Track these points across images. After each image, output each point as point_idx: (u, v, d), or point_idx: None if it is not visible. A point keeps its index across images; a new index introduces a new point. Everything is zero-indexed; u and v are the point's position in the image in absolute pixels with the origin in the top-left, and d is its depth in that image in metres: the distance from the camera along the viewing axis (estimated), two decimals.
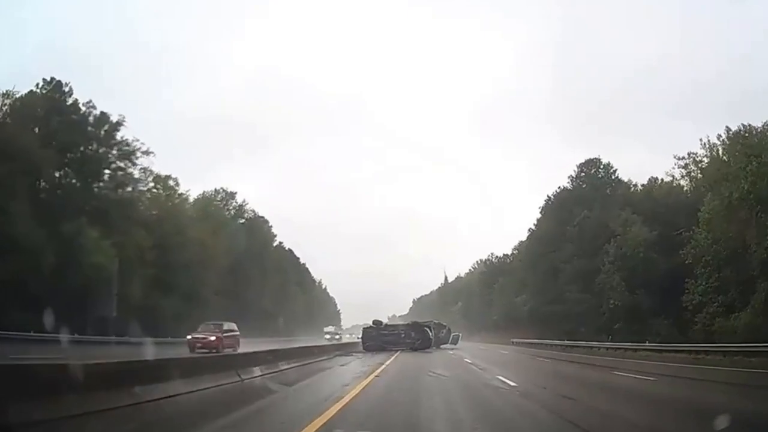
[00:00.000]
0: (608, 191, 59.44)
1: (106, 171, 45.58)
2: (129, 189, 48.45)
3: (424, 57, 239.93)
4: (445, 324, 58.67)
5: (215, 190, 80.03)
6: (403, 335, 42.35)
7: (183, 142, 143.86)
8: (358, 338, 45.43)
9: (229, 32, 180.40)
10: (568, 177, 63.75)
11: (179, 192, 62.43)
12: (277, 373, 17.06)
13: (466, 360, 28.00)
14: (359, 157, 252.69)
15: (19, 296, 31.76)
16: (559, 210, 62.26)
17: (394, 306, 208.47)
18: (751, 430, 8.46)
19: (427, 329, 43.50)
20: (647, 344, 35.99)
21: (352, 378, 15.90)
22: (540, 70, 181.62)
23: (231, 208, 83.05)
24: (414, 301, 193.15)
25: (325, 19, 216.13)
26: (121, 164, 47.34)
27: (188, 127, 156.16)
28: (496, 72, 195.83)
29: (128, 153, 46.38)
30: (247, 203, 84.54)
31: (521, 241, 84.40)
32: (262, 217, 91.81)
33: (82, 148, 43.32)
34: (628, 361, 28.18)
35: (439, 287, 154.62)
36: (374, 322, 44.18)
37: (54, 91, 43.42)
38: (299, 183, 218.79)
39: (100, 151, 46.13)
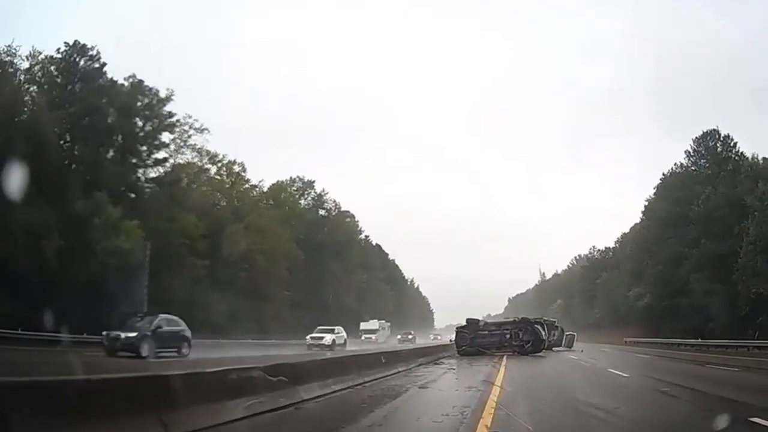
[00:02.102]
0: (730, 166, 53.41)
1: (143, 147, 38.62)
2: (174, 168, 41.47)
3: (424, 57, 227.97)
4: (556, 322, 48.22)
5: (290, 178, 72.98)
6: (508, 336, 32.49)
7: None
8: (451, 340, 36.01)
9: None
10: (684, 152, 58.91)
11: (246, 178, 55.70)
12: (282, 412, 8.25)
13: (612, 371, 18.23)
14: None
15: (13, 288, 24.87)
16: (678, 189, 56.63)
17: (489, 305, 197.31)
18: None
19: (539, 328, 33.41)
20: None
21: None
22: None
23: (309, 198, 75.79)
24: (509, 300, 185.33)
25: (324, 19, 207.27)
26: (164, 140, 40.57)
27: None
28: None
29: (171, 126, 39.34)
30: (327, 193, 76.87)
31: (624, 233, 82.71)
32: (351, 215, 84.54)
33: (109, 118, 36.29)
34: None
35: (536, 285, 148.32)
36: (468, 320, 34.49)
37: (77, 54, 36.73)
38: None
39: (139, 123, 39.44)
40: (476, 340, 31.91)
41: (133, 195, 36.14)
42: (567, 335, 46.17)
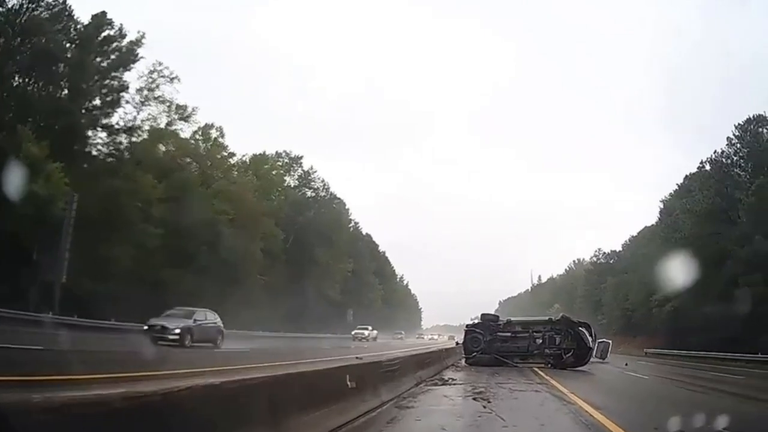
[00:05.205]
0: None
1: (95, 85, 32.22)
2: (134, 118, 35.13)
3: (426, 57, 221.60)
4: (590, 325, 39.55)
5: (276, 152, 66.42)
6: (539, 341, 24.22)
7: None
8: (458, 342, 28.97)
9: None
10: (726, 139, 54.24)
11: (224, 144, 49.32)
12: None
13: None
14: None
15: None
16: (719, 180, 52.11)
17: (479, 308, 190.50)
18: None
19: (584, 332, 25.75)
20: None
21: None
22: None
23: (295, 176, 69.31)
24: (500, 303, 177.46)
25: (324, 18, 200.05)
26: (126, 83, 34.24)
27: None
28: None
29: (127, 61, 32.96)
30: (315, 171, 70.33)
31: (632, 236, 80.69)
32: (339, 199, 77.69)
33: (54, 47, 29.78)
34: None
35: (530, 288, 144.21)
36: (484, 316, 26.57)
37: None
38: None
39: (96, 60, 33.06)
40: (494, 344, 23.88)
41: (72, 142, 29.66)
42: (600, 343, 37.18)
